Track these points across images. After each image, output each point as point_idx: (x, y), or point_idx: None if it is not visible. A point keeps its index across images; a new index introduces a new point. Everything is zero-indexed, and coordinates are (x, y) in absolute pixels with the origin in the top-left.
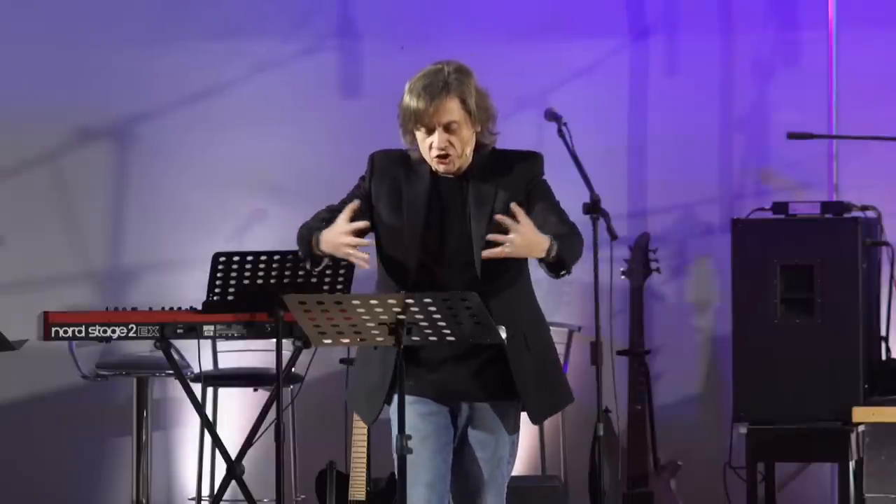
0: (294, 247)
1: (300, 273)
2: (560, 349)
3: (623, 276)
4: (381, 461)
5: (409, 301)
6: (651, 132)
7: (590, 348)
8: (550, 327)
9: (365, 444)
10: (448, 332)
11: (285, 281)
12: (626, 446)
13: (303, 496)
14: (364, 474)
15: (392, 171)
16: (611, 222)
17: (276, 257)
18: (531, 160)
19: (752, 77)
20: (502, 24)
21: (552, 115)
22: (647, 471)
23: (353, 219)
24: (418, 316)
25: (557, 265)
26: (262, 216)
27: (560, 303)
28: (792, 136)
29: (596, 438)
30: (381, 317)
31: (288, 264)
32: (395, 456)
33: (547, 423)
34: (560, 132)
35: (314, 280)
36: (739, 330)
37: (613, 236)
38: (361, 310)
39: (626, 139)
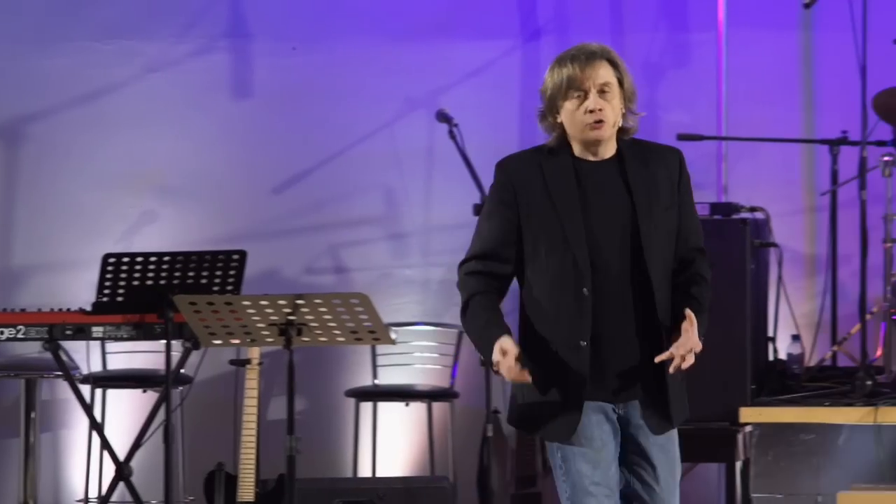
0: (184, 248)
1: (190, 274)
2: (449, 350)
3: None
4: (270, 462)
5: (300, 302)
6: (541, 133)
7: None
8: (439, 328)
9: (254, 445)
10: (338, 332)
11: (175, 282)
12: (515, 447)
13: (191, 498)
14: (253, 475)
15: (528, 168)
16: None
17: (165, 258)
18: (678, 153)
19: (642, 78)
20: (394, 25)
21: (443, 117)
22: (535, 471)
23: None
24: (308, 317)
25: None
26: (152, 217)
27: (450, 304)
28: (681, 137)
29: (485, 439)
30: (272, 317)
31: (178, 265)
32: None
33: (436, 423)
34: (451, 133)
35: (204, 281)
36: None
37: None
38: (252, 310)
39: (517, 140)
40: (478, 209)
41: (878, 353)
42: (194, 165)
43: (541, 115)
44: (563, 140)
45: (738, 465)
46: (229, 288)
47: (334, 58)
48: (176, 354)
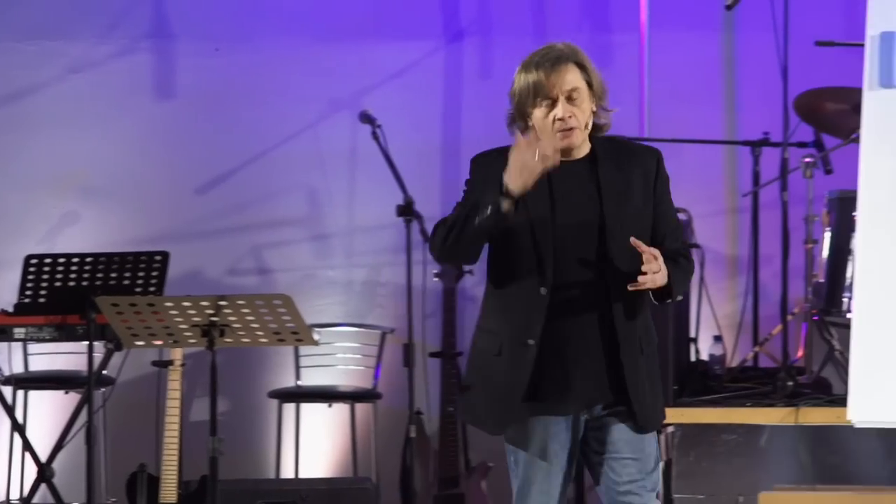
0: (105, 249)
1: (112, 275)
2: (372, 351)
3: (436, 279)
4: (193, 463)
5: (223, 303)
6: (465, 134)
7: (402, 350)
8: (362, 329)
9: (176, 446)
10: (261, 333)
11: (97, 283)
12: (438, 448)
13: (114, 499)
14: (175, 476)
15: (499, 166)
16: (424, 224)
17: (88, 259)
18: (655, 153)
19: None
20: (317, 27)
21: (366, 118)
22: (458, 472)
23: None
24: (231, 318)
25: (664, 293)
26: (74, 218)
27: (373, 305)
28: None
29: (408, 440)
30: (194, 318)
31: (100, 266)
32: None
33: (359, 424)
34: (374, 134)
35: (126, 282)
36: None
37: (427, 238)
38: (174, 311)
39: (440, 141)
40: (400, 210)
41: (800, 353)
42: (117, 166)
43: (510, 118)
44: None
45: (660, 465)
46: (152, 289)
47: (257, 59)
48: (98, 356)
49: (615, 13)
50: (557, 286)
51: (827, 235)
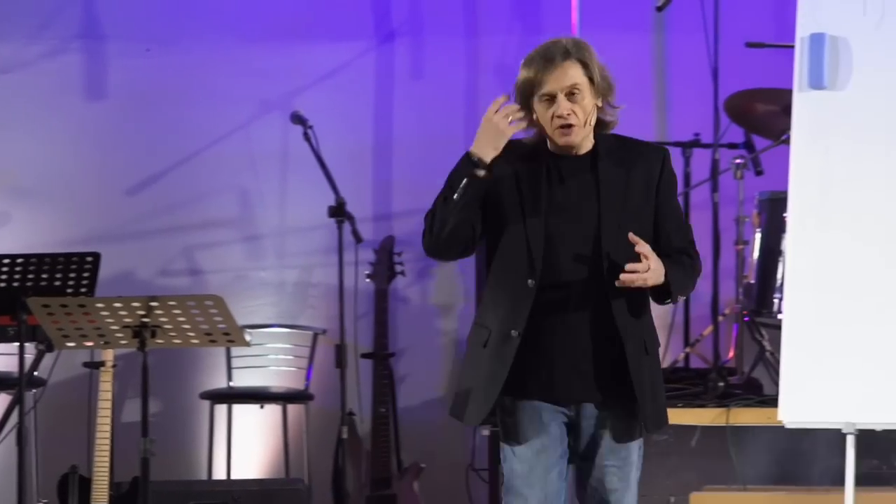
0: (36, 250)
1: (43, 276)
2: (304, 352)
3: (368, 280)
4: (125, 465)
5: (154, 304)
6: (397, 135)
7: (334, 351)
8: (294, 330)
9: (108, 447)
10: (193, 334)
11: (28, 284)
12: (370, 448)
13: (45, 501)
14: (107, 478)
15: (505, 157)
16: (356, 225)
17: (18, 260)
18: (661, 152)
19: (496, 79)
20: (248, 27)
21: (298, 119)
22: (390, 473)
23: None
24: (162, 319)
25: (664, 292)
26: (4, 219)
27: (305, 305)
28: None
29: (340, 441)
30: (126, 319)
31: (31, 267)
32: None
33: (291, 425)
34: (306, 135)
35: (58, 283)
36: None
37: (358, 239)
38: (105, 312)
39: (372, 142)
40: (332, 211)
41: (731, 354)
42: (48, 167)
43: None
44: (539, 135)
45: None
46: (83, 290)
47: (188, 59)
48: (29, 357)
49: (546, 14)
50: (549, 281)
51: (757, 236)
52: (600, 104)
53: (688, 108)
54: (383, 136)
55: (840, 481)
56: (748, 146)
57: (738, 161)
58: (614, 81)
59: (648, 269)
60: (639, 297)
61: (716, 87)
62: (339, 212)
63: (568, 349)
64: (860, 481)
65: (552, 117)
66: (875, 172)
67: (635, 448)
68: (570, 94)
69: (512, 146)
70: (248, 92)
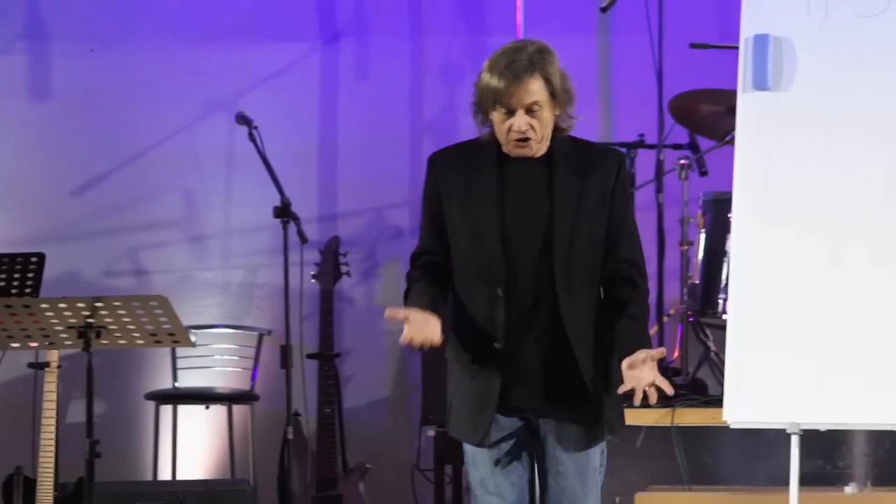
0: None
1: None
2: (249, 353)
3: (313, 280)
4: (70, 465)
5: (99, 304)
6: (342, 135)
7: (280, 351)
8: (239, 331)
9: (53, 448)
10: (138, 335)
11: None
12: (316, 449)
13: None
14: (52, 479)
15: (455, 167)
16: (301, 226)
17: None
18: (617, 157)
19: (441, 80)
20: (192, 28)
21: (243, 119)
22: (335, 473)
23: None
24: (107, 319)
25: None
26: None
27: (250, 306)
28: None
29: (285, 441)
30: (71, 320)
31: None
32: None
33: (237, 425)
34: (251, 136)
35: (2, 284)
36: None
37: (304, 240)
38: (50, 313)
39: (317, 142)
40: (277, 212)
41: (676, 354)
42: None
43: (474, 109)
44: (494, 135)
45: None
46: (27, 290)
47: (132, 59)
48: None
49: (491, 15)
50: (510, 289)
51: (702, 237)
52: (558, 113)
53: (632, 108)
54: (328, 136)
55: (784, 481)
56: (693, 147)
57: (682, 162)
58: (575, 92)
59: (649, 379)
60: (589, 299)
61: (660, 87)
62: (284, 212)
63: (531, 359)
64: (804, 481)
65: (508, 130)
66: (818, 170)
67: (596, 453)
68: (530, 111)
69: (463, 149)
70: (192, 92)
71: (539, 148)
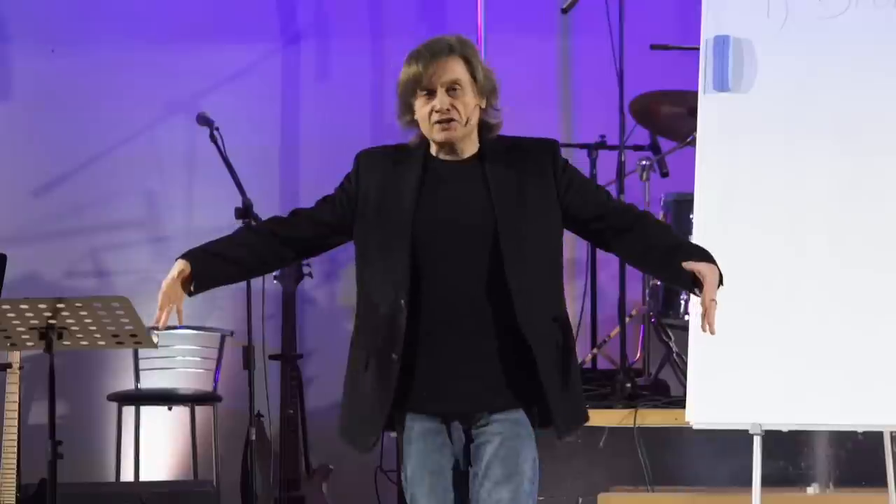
0: None
1: None
2: (212, 353)
3: (275, 281)
4: (32, 467)
5: (61, 305)
6: (303, 136)
7: (242, 352)
8: (201, 332)
9: (15, 449)
10: (100, 336)
11: None
12: (279, 450)
13: None
14: (14, 480)
15: (380, 164)
16: None
17: None
18: (550, 145)
19: None
20: (153, 28)
21: (204, 120)
22: (298, 474)
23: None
24: (69, 320)
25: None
26: None
27: (213, 307)
28: None
29: (248, 443)
30: (32, 321)
31: None
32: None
33: (200, 426)
34: (212, 137)
35: None
36: None
37: None
38: (11, 314)
39: (279, 144)
40: (239, 213)
41: (638, 355)
42: None
43: (398, 110)
44: (422, 138)
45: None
46: None
47: (93, 60)
48: None
49: (452, 15)
50: (434, 290)
51: None
52: (483, 105)
53: (593, 109)
54: (290, 137)
55: (747, 482)
56: (654, 148)
57: (643, 163)
58: (498, 83)
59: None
60: (545, 296)
61: (621, 89)
62: (246, 213)
63: (461, 362)
64: (767, 482)
65: (430, 112)
66: (778, 170)
67: (528, 459)
68: (451, 90)
69: (386, 152)
70: (153, 93)
71: (464, 135)
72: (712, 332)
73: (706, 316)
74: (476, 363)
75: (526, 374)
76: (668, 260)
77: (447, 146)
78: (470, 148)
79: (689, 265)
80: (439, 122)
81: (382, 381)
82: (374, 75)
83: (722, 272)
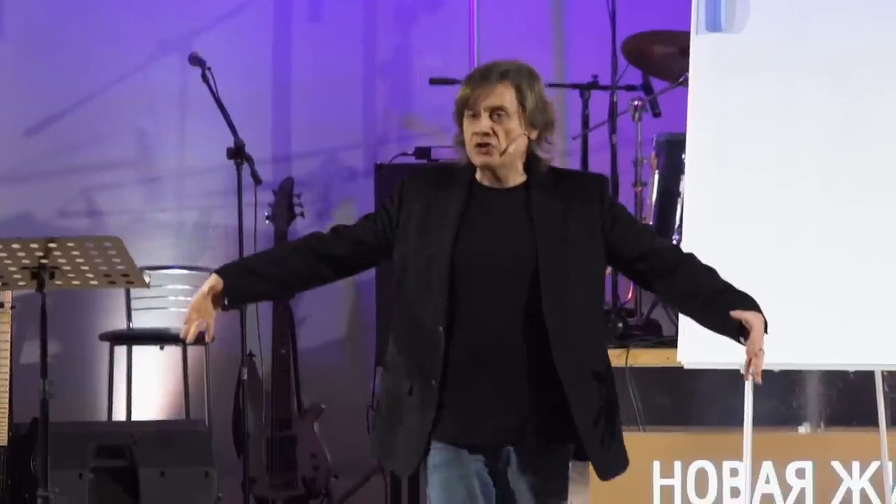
0: None
1: None
2: None
3: (267, 221)
4: (24, 406)
5: (53, 245)
6: (296, 77)
7: None
8: (193, 272)
9: (6, 389)
10: (92, 276)
11: None
12: (271, 390)
13: None
14: (6, 419)
15: (423, 191)
16: (255, 167)
17: None
18: (599, 181)
19: (395, 22)
20: None
21: (196, 60)
22: (290, 414)
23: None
24: (61, 260)
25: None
26: None
27: (204, 247)
28: (434, 81)
29: (240, 382)
30: (24, 261)
31: None
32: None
33: (191, 366)
34: (204, 77)
35: None
36: (382, 274)
37: (257, 181)
38: (3, 254)
39: (271, 84)
40: (231, 153)
41: (630, 296)
42: None
43: (456, 135)
44: (469, 160)
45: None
46: None
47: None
48: None
49: None
50: (472, 320)
51: (656, 178)
52: (533, 137)
53: (586, 50)
54: (282, 77)
55: (739, 421)
56: (646, 88)
57: (636, 103)
58: (555, 120)
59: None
60: (585, 333)
61: (613, 29)
62: (238, 153)
63: (490, 393)
64: (759, 421)
65: (472, 134)
66: (771, 110)
67: (564, 497)
68: (495, 115)
69: (430, 178)
70: (146, 32)
71: (503, 162)
72: (758, 382)
73: (753, 366)
74: (507, 399)
75: (560, 418)
76: (714, 307)
77: (489, 172)
78: (514, 177)
79: (736, 314)
80: (479, 145)
81: (424, 407)
82: (366, 15)
83: (767, 320)
